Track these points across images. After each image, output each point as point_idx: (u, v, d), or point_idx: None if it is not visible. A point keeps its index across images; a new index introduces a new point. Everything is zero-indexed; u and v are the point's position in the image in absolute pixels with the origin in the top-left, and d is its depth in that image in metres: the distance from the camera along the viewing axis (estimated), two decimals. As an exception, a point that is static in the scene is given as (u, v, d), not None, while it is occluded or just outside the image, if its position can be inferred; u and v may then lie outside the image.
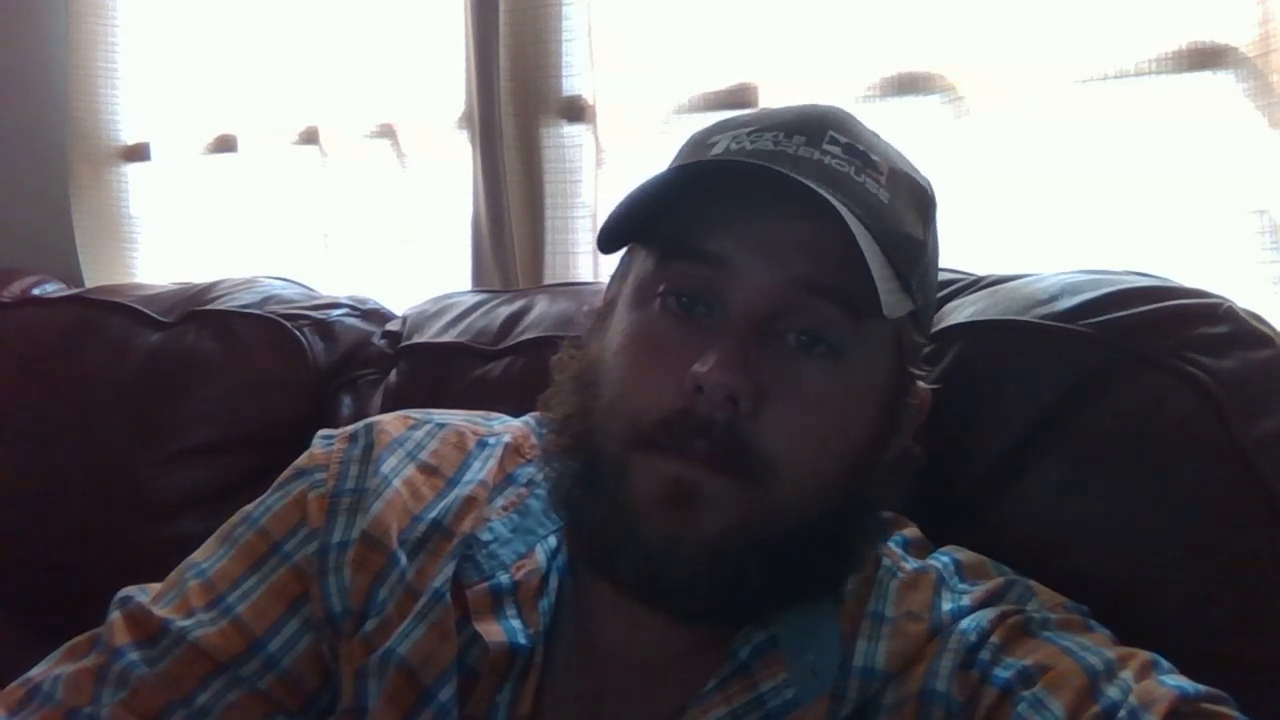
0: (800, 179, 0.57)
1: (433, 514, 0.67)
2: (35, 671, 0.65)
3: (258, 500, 0.70)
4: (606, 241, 0.62)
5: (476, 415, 0.75)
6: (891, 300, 0.57)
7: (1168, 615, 0.67)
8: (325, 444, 0.71)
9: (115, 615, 0.66)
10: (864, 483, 0.61)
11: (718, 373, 0.56)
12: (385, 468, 0.68)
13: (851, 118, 0.66)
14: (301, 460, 0.70)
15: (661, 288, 0.61)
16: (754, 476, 0.58)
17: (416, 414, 0.73)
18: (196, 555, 0.69)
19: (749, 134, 0.63)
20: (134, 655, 0.64)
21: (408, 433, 0.71)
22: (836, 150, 0.62)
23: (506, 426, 0.74)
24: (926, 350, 0.70)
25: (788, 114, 0.64)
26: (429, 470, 0.69)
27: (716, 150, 0.63)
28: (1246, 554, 0.67)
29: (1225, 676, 0.56)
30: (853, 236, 0.56)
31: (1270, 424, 0.68)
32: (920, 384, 0.67)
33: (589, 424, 0.62)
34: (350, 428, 0.72)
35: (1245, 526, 0.67)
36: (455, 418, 0.74)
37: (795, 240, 0.59)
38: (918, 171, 0.67)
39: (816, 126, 0.63)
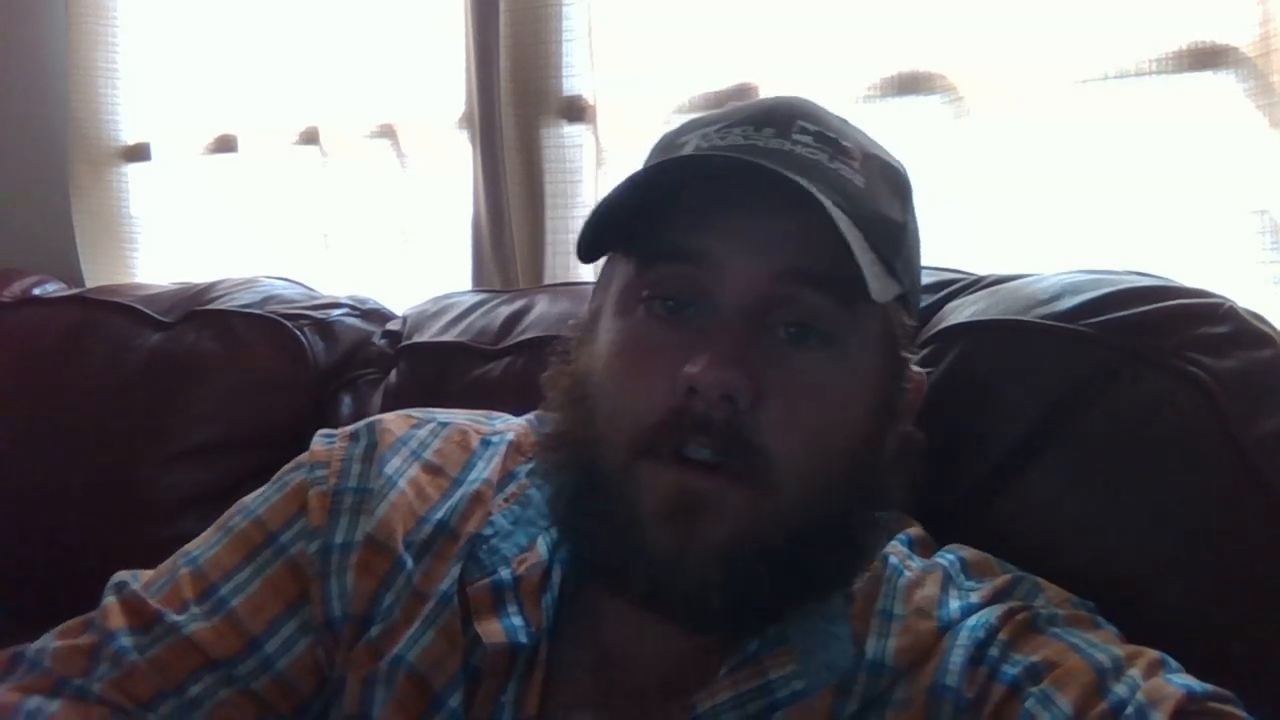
0: (775, 168, 0.56)
1: (439, 515, 0.66)
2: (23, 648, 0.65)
3: (256, 493, 0.69)
4: (585, 251, 0.61)
5: (478, 414, 0.75)
6: (878, 284, 0.57)
7: (1168, 615, 0.67)
8: (326, 442, 0.70)
9: (110, 600, 0.65)
10: (867, 472, 0.61)
11: (710, 371, 0.56)
12: (389, 468, 0.67)
13: (818, 107, 0.65)
14: (303, 457, 0.70)
15: (645, 293, 0.60)
16: (758, 477, 0.57)
17: (418, 413, 0.73)
18: (191, 544, 0.68)
19: (717, 130, 0.62)
20: (127, 640, 0.63)
21: (411, 431, 0.70)
22: (807, 140, 0.61)
23: (508, 425, 0.73)
24: (917, 333, 0.69)
25: (755, 108, 0.64)
26: (434, 470, 0.69)
27: (687, 150, 0.62)
28: (1246, 554, 0.67)
29: (1226, 676, 0.56)
30: (833, 223, 0.55)
31: (1270, 424, 0.68)
32: (914, 368, 0.66)
33: (585, 438, 0.61)
34: (352, 426, 0.71)
35: (1245, 526, 0.67)
36: (458, 417, 0.73)
37: (777, 231, 0.59)
38: (891, 155, 0.67)
39: (785, 118, 0.62)
